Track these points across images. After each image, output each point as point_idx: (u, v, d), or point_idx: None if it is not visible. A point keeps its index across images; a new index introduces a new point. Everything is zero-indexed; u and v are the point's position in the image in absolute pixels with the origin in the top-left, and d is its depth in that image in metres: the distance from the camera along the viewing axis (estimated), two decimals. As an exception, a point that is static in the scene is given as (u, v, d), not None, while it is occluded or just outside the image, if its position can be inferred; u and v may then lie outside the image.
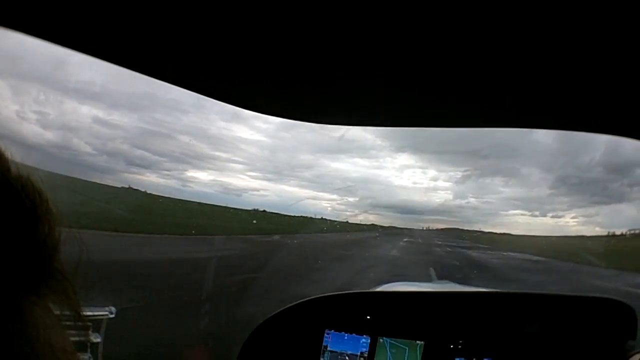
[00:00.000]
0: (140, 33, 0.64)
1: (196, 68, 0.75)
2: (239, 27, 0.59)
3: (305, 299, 1.51)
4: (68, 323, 0.40)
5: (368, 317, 1.54)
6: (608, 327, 1.52)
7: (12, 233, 0.35)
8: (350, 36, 0.59)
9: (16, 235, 0.35)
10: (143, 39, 0.65)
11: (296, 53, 0.66)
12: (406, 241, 19.65)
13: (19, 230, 0.35)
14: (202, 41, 0.65)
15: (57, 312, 0.39)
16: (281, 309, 1.48)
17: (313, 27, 0.58)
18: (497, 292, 1.75)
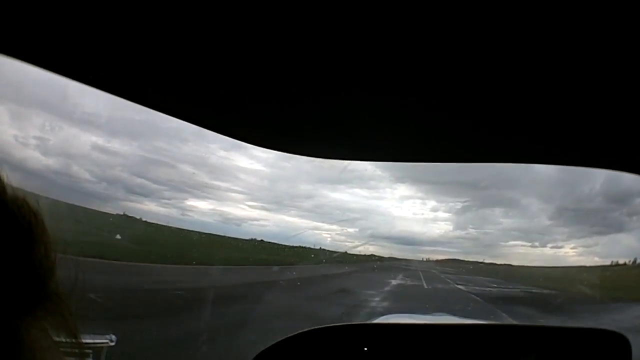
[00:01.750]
0: (138, 65, 0.65)
1: (194, 100, 0.76)
2: (236, 62, 0.61)
3: (302, 331, 1.49)
4: (65, 347, 0.40)
5: (365, 349, 1.52)
6: (603, 358, 1.51)
7: (8, 254, 0.35)
8: (348, 72, 0.60)
9: (12, 256, 0.35)
10: (141, 71, 0.67)
11: (295, 89, 0.66)
12: (401, 279, 16.10)
13: (14, 251, 0.35)
14: (200, 74, 0.66)
15: (54, 335, 0.39)
16: (277, 341, 1.46)
17: (311, 62, 0.59)
18: (492, 324, 1.74)
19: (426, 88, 0.62)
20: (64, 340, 0.40)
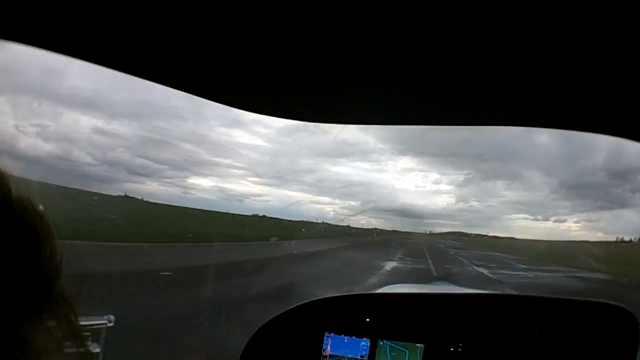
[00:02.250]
0: (136, 36, 0.64)
1: (193, 69, 0.75)
2: (234, 28, 0.59)
3: (306, 301, 1.51)
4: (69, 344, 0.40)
5: (368, 320, 1.53)
6: (609, 333, 1.51)
7: (14, 256, 0.35)
8: (349, 34, 0.59)
9: (18, 258, 0.35)
10: (139, 42, 0.65)
11: (293, 52, 0.65)
12: (400, 261, 12.61)
13: (20, 253, 0.35)
14: (198, 42, 0.65)
15: (58, 336, 0.39)
16: (282, 312, 1.47)
17: (310, 26, 0.57)
18: (497, 294, 1.75)
19: (426, 47, 0.61)
20: (68, 342, 0.40)
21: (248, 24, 0.58)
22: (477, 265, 12.85)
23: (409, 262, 12.71)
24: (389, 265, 11.65)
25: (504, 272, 12.15)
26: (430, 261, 13.31)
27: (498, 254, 17.41)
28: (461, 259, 14.76)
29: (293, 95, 0.85)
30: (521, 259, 15.24)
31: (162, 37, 0.63)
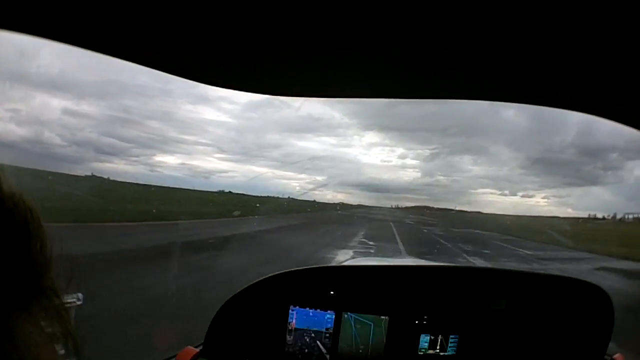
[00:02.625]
0: (103, 13, 0.62)
1: (158, 45, 0.73)
2: (200, 2, 0.58)
3: (270, 275, 1.49)
4: (59, 342, 0.40)
5: (332, 293, 1.54)
6: (581, 310, 1.54)
7: (4, 250, 0.35)
8: (314, 4, 0.57)
9: (8, 252, 0.35)
10: (106, 19, 0.64)
11: (259, 25, 0.64)
12: (361, 244, 10.01)
13: (10, 247, 0.36)
14: (164, 17, 0.63)
15: (48, 330, 0.39)
16: (246, 286, 1.46)
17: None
18: (462, 266, 1.77)
19: (393, 19, 0.60)
20: (58, 335, 0.40)
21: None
22: (468, 253, 10.17)
23: (372, 251, 9.55)
24: (342, 257, 8.51)
25: (512, 263, 9.41)
26: (402, 247, 10.42)
27: (479, 231, 15.75)
28: (442, 241, 11.84)
29: (260, 69, 0.82)
30: (511, 239, 12.85)
31: (128, 13, 0.62)
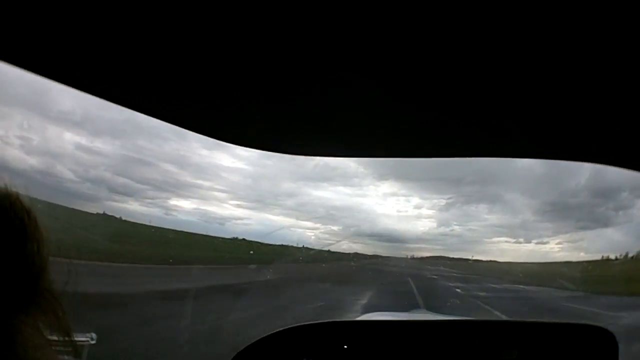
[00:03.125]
0: (121, 66, 0.64)
1: (176, 101, 0.76)
2: (218, 62, 0.60)
3: (283, 328, 1.50)
4: (58, 345, 0.40)
5: (345, 347, 1.53)
6: (588, 354, 1.52)
7: (0, 250, 0.35)
8: (330, 67, 0.59)
9: (4, 252, 0.35)
10: (124, 72, 0.66)
11: (274, 86, 0.66)
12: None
13: (7, 248, 0.35)
14: (182, 76, 0.65)
15: (47, 333, 0.39)
16: (259, 338, 1.46)
17: (291, 60, 0.58)
18: (473, 320, 1.76)
19: (409, 82, 0.62)
20: (56, 338, 0.40)
21: (229, 59, 0.59)
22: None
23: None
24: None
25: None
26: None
27: (522, 287, 11.96)
28: (489, 308, 8.52)
29: (275, 129, 0.86)
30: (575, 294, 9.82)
31: (143, 68, 0.64)
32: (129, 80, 0.69)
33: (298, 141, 0.91)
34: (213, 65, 0.61)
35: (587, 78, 0.58)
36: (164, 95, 0.74)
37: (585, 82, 0.59)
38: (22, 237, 0.37)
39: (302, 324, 1.53)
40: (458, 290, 11.02)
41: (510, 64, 0.56)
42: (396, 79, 0.62)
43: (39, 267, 0.38)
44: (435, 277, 13.77)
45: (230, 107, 0.76)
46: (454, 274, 14.29)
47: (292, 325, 1.51)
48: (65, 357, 0.41)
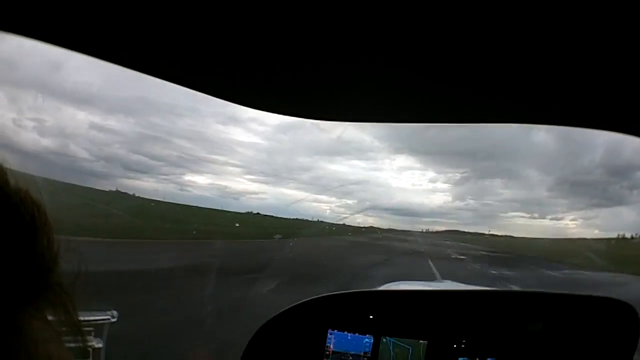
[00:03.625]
0: (135, 29, 0.64)
1: (191, 63, 0.75)
2: (234, 22, 0.59)
3: (309, 299, 1.50)
4: (66, 334, 0.40)
5: (371, 317, 1.53)
6: (611, 327, 1.52)
7: (11, 245, 0.35)
8: (348, 30, 0.59)
9: (15, 247, 0.35)
10: (138, 35, 0.66)
11: (292, 47, 0.65)
12: None
13: (17, 242, 0.36)
14: (198, 36, 0.65)
15: (56, 326, 0.39)
16: (284, 309, 1.47)
17: (309, 22, 0.58)
18: (499, 290, 1.75)
19: (424, 45, 0.61)
20: (65, 331, 0.40)
21: (248, 19, 0.58)
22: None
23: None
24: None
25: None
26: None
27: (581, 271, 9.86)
28: None
29: (292, 91, 0.85)
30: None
31: (161, 31, 0.64)
32: (147, 45, 0.68)
33: (315, 104, 0.90)
34: (233, 26, 0.60)
35: (605, 42, 0.57)
36: (181, 59, 0.73)
37: (606, 45, 0.58)
38: (33, 232, 0.37)
39: (327, 294, 1.53)
40: (513, 286, 7.75)
41: (524, 25, 0.55)
42: (411, 43, 0.61)
43: (50, 261, 0.38)
44: (462, 257, 11.19)
45: (249, 69, 0.75)
46: (483, 252, 11.77)
47: (317, 296, 1.51)
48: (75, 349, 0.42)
